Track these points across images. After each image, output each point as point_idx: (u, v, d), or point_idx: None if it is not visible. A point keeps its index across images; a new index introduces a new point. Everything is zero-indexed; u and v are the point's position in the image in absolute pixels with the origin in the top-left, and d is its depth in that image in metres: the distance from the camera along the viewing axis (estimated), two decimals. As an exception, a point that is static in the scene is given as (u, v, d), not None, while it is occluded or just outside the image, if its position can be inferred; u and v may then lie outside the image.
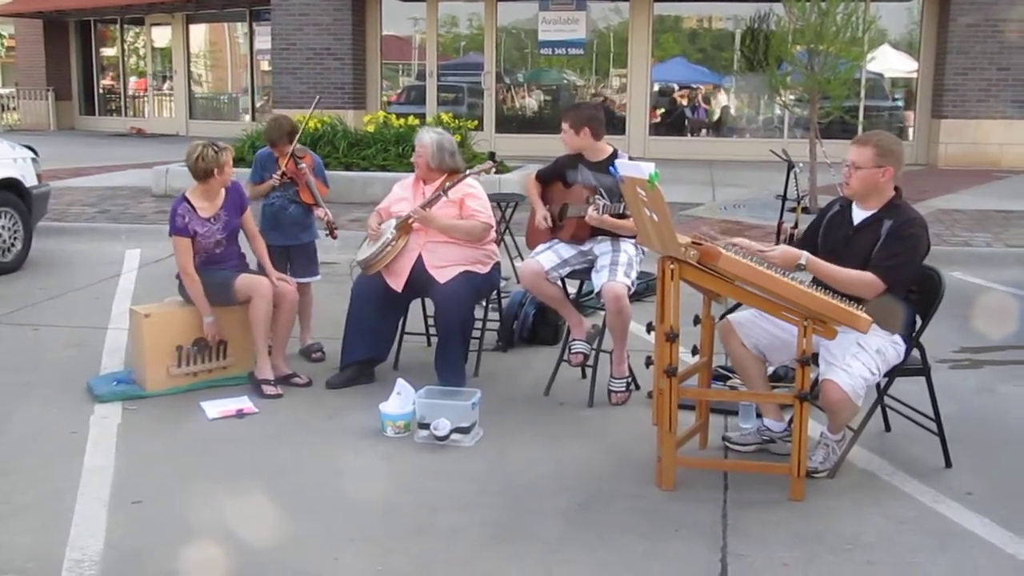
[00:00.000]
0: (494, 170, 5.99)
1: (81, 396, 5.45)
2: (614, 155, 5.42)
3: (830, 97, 11.50)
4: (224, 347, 5.63)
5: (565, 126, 5.48)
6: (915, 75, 17.18)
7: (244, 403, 5.31)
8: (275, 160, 6.09)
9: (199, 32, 23.62)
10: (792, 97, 12.55)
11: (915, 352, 4.48)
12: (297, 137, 6.09)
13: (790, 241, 6.38)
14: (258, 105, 21.94)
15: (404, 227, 5.55)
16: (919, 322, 4.49)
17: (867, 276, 4.21)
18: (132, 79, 24.68)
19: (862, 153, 4.35)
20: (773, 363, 4.77)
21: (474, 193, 5.64)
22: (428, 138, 5.66)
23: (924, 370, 4.52)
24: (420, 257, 5.52)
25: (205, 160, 5.43)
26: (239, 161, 11.32)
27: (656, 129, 18.47)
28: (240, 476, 4.43)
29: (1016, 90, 15.79)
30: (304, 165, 6.09)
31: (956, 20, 15.70)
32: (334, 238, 6.27)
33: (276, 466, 4.54)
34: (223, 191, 5.58)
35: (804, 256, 4.24)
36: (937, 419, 4.57)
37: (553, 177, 5.71)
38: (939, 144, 16.03)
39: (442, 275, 5.46)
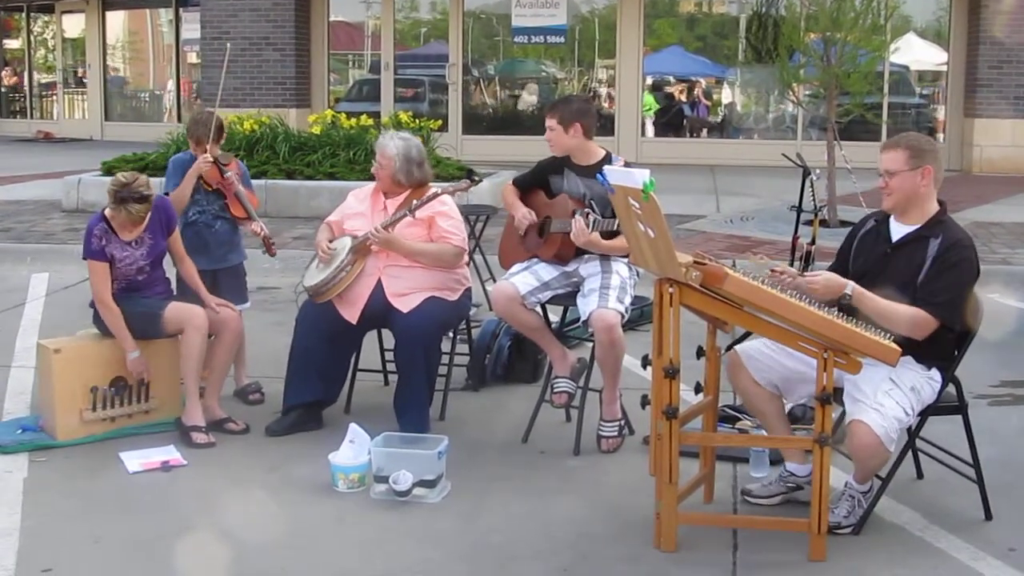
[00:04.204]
0: (470, 190, 5.98)
1: (-21, 447, 5.40)
2: (607, 159, 5.43)
3: (849, 93, 11.59)
4: (146, 388, 5.60)
5: (552, 123, 5.44)
6: (945, 68, 17.36)
7: (170, 454, 5.27)
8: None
9: (117, 20, 23.54)
10: (806, 93, 12.63)
11: (950, 387, 4.51)
12: (224, 137, 6.07)
13: (806, 259, 6.42)
14: (184, 103, 21.90)
15: (361, 249, 5.54)
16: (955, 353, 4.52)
17: (919, 314, 4.24)
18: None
19: (894, 157, 4.40)
20: (791, 400, 4.78)
21: (446, 211, 5.62)
22: (393, 147, 5.65)
23: (960, 408, 4.55)
24: (379, 283, 5.52)
25: (124, 185, 5.33)
26: (162, 170, 11.30)
27: (650, 129, 18.56)
28: (166, 540, 4.38)
29: (1058, 86, 15.98)
30: (231, 173, 6.07)
31: (989, 6, 15.88)
32: (272, 255, 6.25)
33: (208, 528, 4.49)
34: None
35: (850, 286, 4.27)
36: (975, 464, 4.59)
37: (534, 185, 5.70)
38: (973, 147, 16.19)
39: (404, 304, 5.46)
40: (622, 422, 5.46)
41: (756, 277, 4.07)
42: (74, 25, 24.05)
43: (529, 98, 19.37)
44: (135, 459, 5.20)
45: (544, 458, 5.33)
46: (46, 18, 24.88)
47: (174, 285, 5.82)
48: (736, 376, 4.63)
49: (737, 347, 4.69)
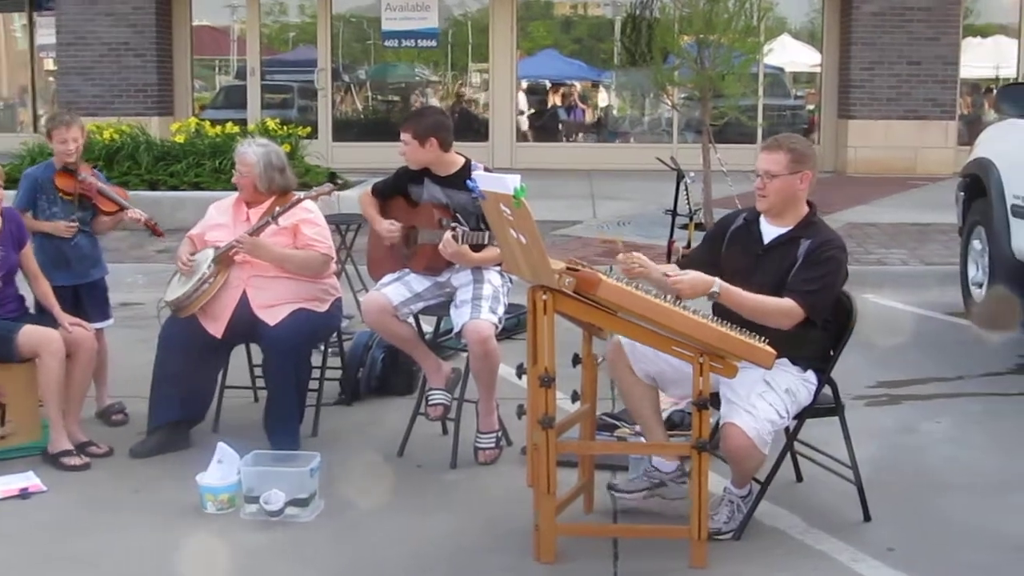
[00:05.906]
0: (334, 194, 5.98)
1: None
2: (467, 166, 5.47)
3: (724, 95, 11.80)
4: (1, 413, 5.45)
5: (407, 137, 5.48)
6: (819, 69, 17.79)
7: (29, 480, 5.14)
8: (51, 181, 5.94)
9: (-34, 25, 22.93)
10: (681, 95, 12.81)
11: (826, 389, 4.61)
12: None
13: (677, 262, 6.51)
14: (41, 112, 21.38)
15: (224, 259, 5.49)
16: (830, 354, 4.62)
17: (786, 303, 4.33)
18: None
19: (775, 159, 4.49)
20: (669, 395, 4.84)
21: (310, 219, 5.61)
22: (252, 154, 5.61)
23: (837, 409, 4.66)
24: (244, 295, 5.47)
25: None
26: (14, 183, 11.02)
27: (524, 134, 18.66)
28: (27, 571, 4.30)
29: (929, 87, 16.45)
30: (85, 175, 5.97)
31: (860, 8, 16.30)
32: (159, 235, 6.28)
33: (71, 557, 4.41)
34: (-6, 221, 5.42)
35: (717, 284, 4.32)
36: (853, 465, 4.70)
37: (394, 192, 5.72)
38: (847, 148, 16.60)
39: (271, 316, 5.42)
40: (499, 433, 5.48)
41: (619, 278, 4.12)
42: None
43: (401, 102, 19.32)
44: (-9, 487, 5.07)
45: (421, 472, 5.32)
46: None
47: (30, 303, 5.69)
48: (615, 365, 4.65)
49: (620, 338, 4.70)
